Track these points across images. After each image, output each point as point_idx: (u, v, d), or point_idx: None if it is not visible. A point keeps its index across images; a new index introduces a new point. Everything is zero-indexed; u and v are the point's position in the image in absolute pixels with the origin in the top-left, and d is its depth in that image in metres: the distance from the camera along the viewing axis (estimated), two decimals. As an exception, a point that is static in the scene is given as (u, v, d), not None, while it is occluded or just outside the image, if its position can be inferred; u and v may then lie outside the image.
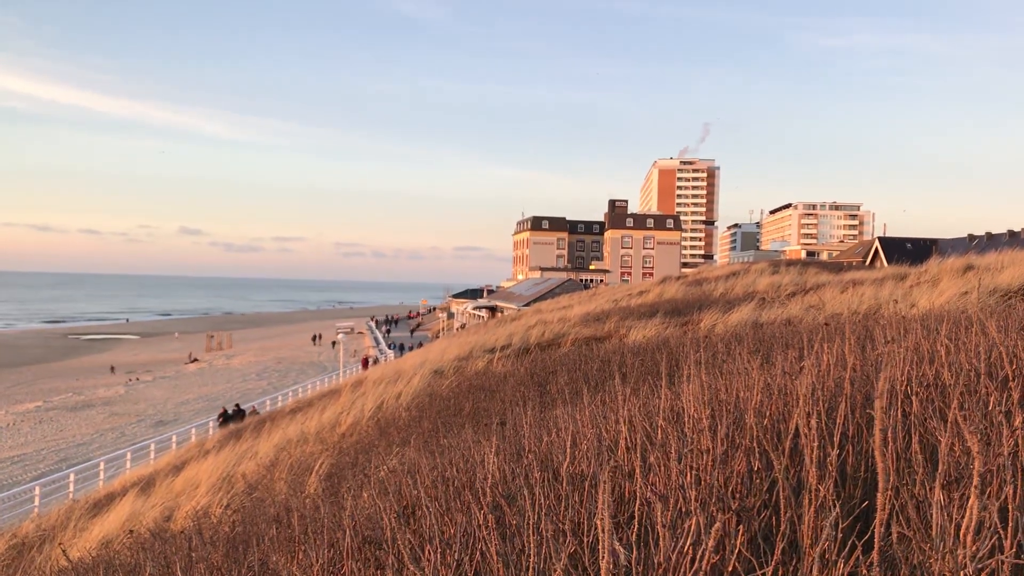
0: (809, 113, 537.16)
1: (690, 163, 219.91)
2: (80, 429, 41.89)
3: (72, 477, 26.17)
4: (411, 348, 63.31)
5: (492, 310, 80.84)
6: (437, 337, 73.88)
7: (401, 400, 11.33)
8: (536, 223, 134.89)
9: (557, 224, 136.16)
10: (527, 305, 62.87)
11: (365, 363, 53.84)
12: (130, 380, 65.62)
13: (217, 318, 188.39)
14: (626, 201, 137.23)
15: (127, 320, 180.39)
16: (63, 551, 6.66)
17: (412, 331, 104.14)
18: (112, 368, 76.20)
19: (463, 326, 78.93)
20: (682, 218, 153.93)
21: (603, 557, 2.23)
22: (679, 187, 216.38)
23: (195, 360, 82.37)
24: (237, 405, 35.35)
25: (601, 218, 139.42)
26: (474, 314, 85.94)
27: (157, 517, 9.49)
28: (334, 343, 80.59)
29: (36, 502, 24.31)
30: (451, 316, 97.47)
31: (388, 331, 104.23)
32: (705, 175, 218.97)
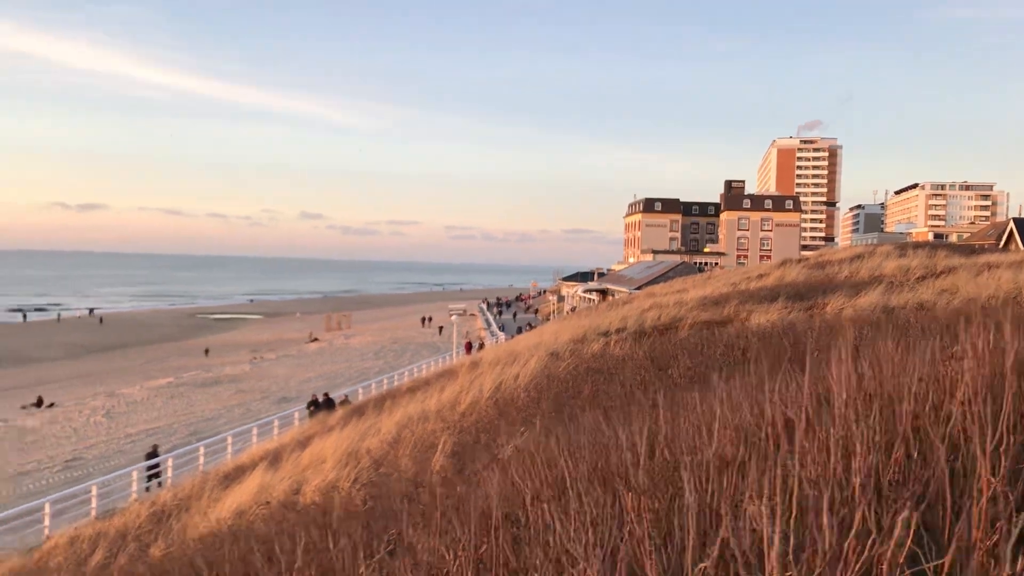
0: (937, 89, 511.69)
1: (810, 142, 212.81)
2: (208, 405, 43.81)
3: (202, 450, 27.44)
4: (521, 330, 63.62)
5: (603, 293, 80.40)
6: (547, 320, 74.04)
7: (519, 381, 11.36)
8: (648, 205, 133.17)
9: (670, 206, 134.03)
10: (639, 288, 62.25)
11: (468, 347, 54.19)
12: (255, 358, 68.21)
13: (335, 299, 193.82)
14: (743, 182, 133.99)
15: (251, 300, 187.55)
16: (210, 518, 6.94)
17: (516, 314, 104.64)
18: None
19: (573, 309, 78.82)
20: (801, 199, 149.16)
21: (768, 544, 2.13)
22: (799, 167, 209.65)
23: (315, 340, 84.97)
24: (326, 394, 34.77)
25: (716, 199, 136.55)
26: (584, 297, 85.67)
27: (286, 490, 9.82)
28: (441, 328, 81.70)
29: (169, 473, 25.62)
30: (561, 299, 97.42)
31: (499, 313, 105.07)
32: (826, 154, 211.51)
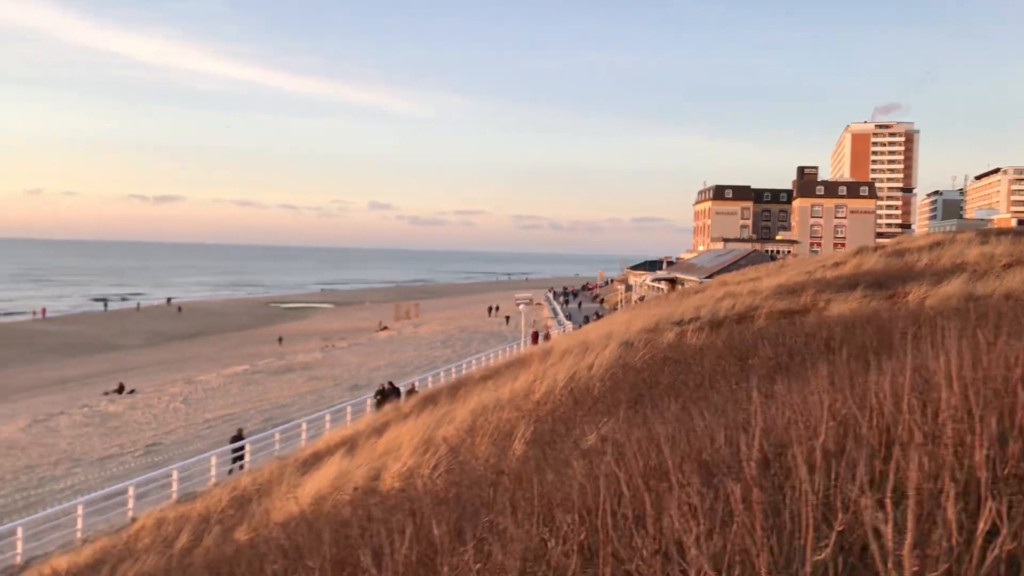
0: (1018, 71, 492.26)
1: (886, 127, 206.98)
2: (282, 391, 44.67)
3: (277, 436, 28.03)
4: (588, 319, 63.38)
5: (672, 282, 79.61)
6: (615, 309, 73.64)
7: (593, 371, 11.30)
8: (718, 192, 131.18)
9: (741, 193, 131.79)
10: (709, 277, 61.49)
11: (535, 337, 54.03)
12: (326, 346, 69.33)
13: (404, 288, 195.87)
14: (816, 168, 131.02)
15: (322, 290, 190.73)
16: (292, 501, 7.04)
17: (581, 303, 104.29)
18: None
19: (642, 298, 78.24)
20: (877, 185, 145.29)
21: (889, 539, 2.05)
22: (874, 152, 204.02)
23: (385, 328, 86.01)
24: (391, 383, 34.48)
25: (788, 186, 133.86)
26: (653, 286, 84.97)
27: (365, 476, 9.94)
28: (508, 318, 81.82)
29: (247, 458, 26.21)
30: (629, 288, 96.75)
31: (566, 302, 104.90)
32: (903, 139, 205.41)
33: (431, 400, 17.82)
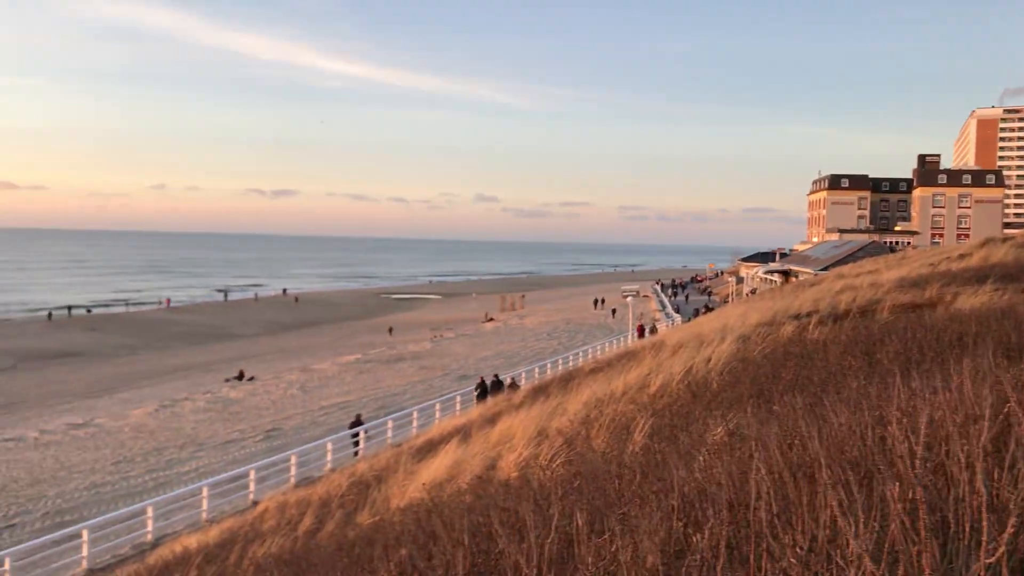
0: None
1: (1015, 111, 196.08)
2: (393, 380, 45.61)
3: (390, 424, 28.64)
4: (698, 312, 62.38)
5: (785, 274, 77.58)
6: (726, 302, 72.24)
7: (711, 365, 11.10)
8: (834, 182, 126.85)
9: (858, 182, 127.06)
10: (825, 269, 59.67)
11: (640, 331, 53.39)
12: (435, 337, 70.43)
13: (509, 280, 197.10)
14: (938, 156, 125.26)
15: (430, 281, 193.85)
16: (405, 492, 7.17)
17: (688, 296, 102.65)
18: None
19: (754, 291, 76.53)
20: (1005, 173, 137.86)
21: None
22: (1002, 138, 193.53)
23: (491, 319, 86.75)
24: (495, 375, 33.90)
25: (908, 175, 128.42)
26: (765, 278, 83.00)
27: (480, 465, 10.05)
28: (614, 310, 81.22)
29: (361, 445, 26.88)
30: (740, 280, 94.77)
31: (674, 295, 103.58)
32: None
33: (541, 391, 17.88)
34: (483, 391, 31.42)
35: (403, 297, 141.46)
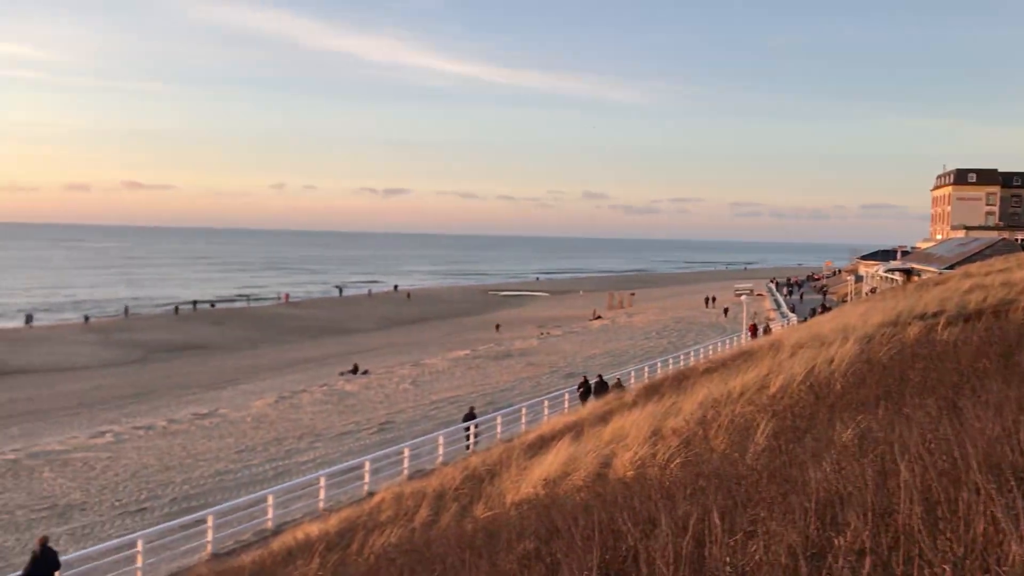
0: None
1: None
2: (501, 376, 45.95)
3: (499, 419, 28.87)
4: (815, 312, 60.54)
5: (907, 273, 74.51)
6: (844, 301, 69.91)
7: (834, 366, 10.75)
8: (960, 176, 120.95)
9: (986, 177, 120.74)
10: (950, 268, 57.04)
11: (753, 330, 52.06)
12: (542, 334, 70.59)
13: (617, 278, 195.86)
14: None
15: (537, 279, 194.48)
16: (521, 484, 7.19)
17: (802, 295, 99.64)
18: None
19: (873, 290, 73.82)
20: None
21: None
22: None
23: (598, 317, 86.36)
24: (600, 376, 32.78)
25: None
26: (886, 277, 79.95)
27: (594, 463, 10.02)
28: (726, 309, 79.55)
29: (471, 439, 27.20)
30: (859, 279, 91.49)
31: (789, 293, 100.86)
32: None
33: (654, 391, 17.69)
34: (586, 391, 30.99)
35: (510, 294, 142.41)
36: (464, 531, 7.25)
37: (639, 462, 8.81)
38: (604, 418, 15.07)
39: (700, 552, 3.23)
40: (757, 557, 2.96)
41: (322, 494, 21.16)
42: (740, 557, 3.04)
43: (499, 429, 28.29)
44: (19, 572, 14.71)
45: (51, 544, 15.10)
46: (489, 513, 8.47)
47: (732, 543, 3.21)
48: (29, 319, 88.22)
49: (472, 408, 29.74)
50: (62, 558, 15.08)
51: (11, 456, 29.27)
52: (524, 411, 29.86)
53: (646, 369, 38.76)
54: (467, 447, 26.57)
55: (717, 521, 3.33)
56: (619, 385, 31.09)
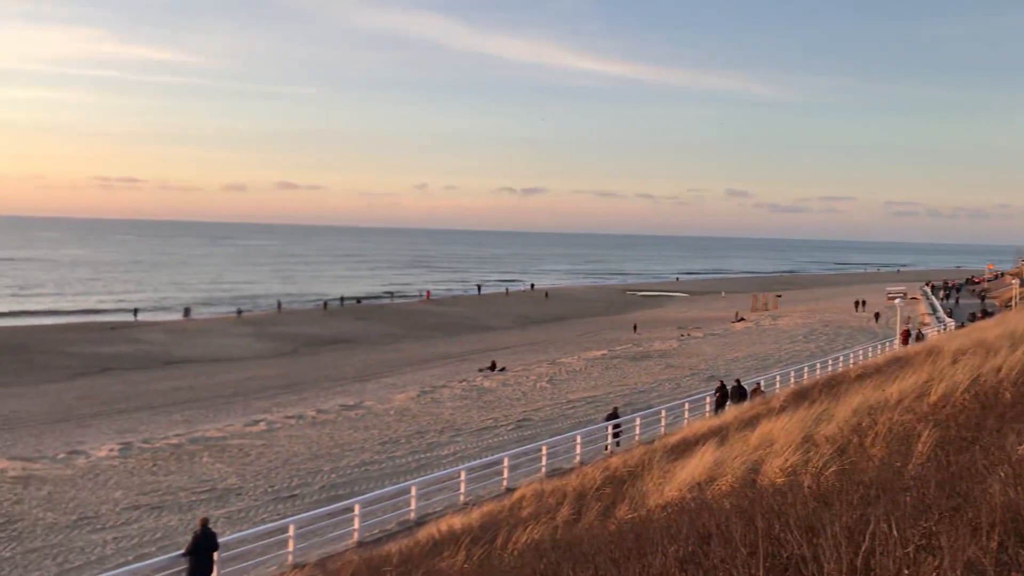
0: None
1: None
2: (639, 377, 45.52)
3: (638, 421, 28.59)
4: (975, 317, 57.10)
5: (1081, 278, 69.22)
6: (1008, 307, 65.72)
7: (1002, 374, 10.08)
8: None
9: None
10: None
11: (905, 337, 49.41)
12: (682, 335, 69.52)
13: (761, 279, 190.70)
14: None
15: (677, 279, 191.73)
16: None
17: (959, 300, 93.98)
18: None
19: (1042, 295, 68.99)
20: None
21: None
22: None
23: (741, 319, 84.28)
24: (738, 381, 31.40)
25: None
26: (1057, 281, 74.57)
27: (740, 469, 9.77)
28: (877, 314, 75.98)
29: (609, 439, 27.05)
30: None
31: (945, 297, 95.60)
32: None
33: (802, 396, 17.11)
34: (723, 397, 30.13)
35: (649, 294, 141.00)
36: (609, 531, 7.20)
37: (790, 469, 8.52)
38: (750, 423, 14.68)
39: (866, 563, 3.08)
40: (933, 572, 2.80)
41: (463, 488, 21.53)
42: (913, 570, 2.88)
43: (637, 431, 28.04)
44: (182, 550, 15.63)
45: (210, 525, 15.97)
46: (633, 514, 8.39)
47: (903, 555, 3.04)
48: (187, 312, 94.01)
49: (616, 408, 29.57)
50: (220, 539, 15.92)
51: (175, 441, 31.16)
52: (664, 413, 29.48)
53: (792, 373, 37.54)
54: (606, 447, 26.45)
55: (886, 530, 3.17)
56: (758, 391, 30.18)
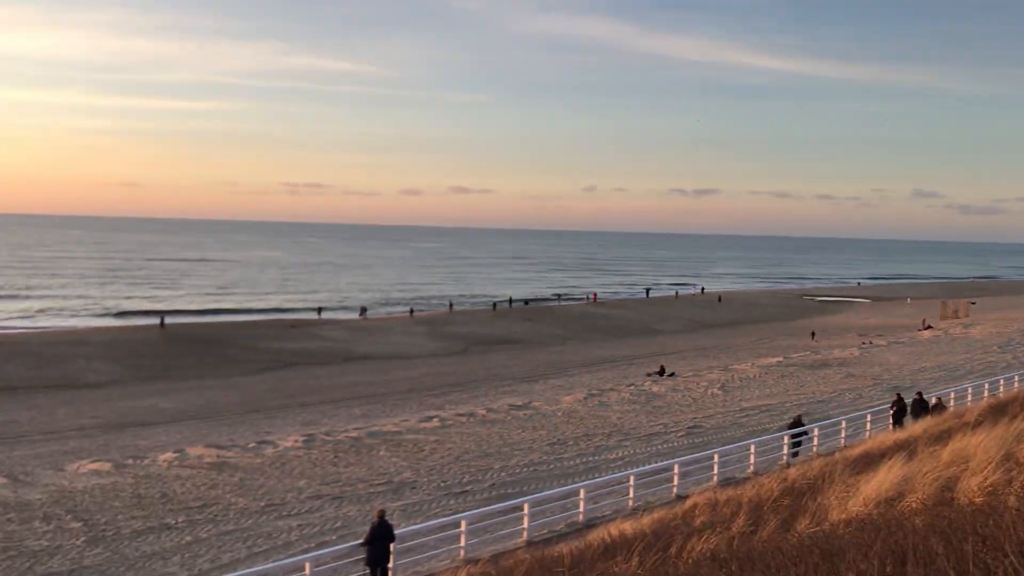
0: None
1: None
2: (817, 387, 43.67)
3: (816, 432, 27.45)
4: None
5: None
6: None
7: None
8: None
9: None
10: None
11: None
12: (864, 343, 66.24)
13: (951, 285, 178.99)
14: None
15: (858, 284, 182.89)
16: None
17: None
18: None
19: None
20: None
21: None
22: None
23: (928, 327, 79.36)
24: (919, 395, 29.27)
25: None
26: None
27: (932, 486, 9.17)
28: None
29: (785, 449, 26.08)
30: None
31: None
32: None
33: (1000, 411, 15.90)
34: (900, 411, 28.32)
35: (828, 299, 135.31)
36: (790, 544, 6.93)
37: (990, 488, 7.91)
38: (940, 438, 13.77)
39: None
40: None
41: (631, 493, 21.35)
42: None
43: (816, 441, 26.95)
44: (360, 540, 16.31)
45: (387, 517, 16.57)
46: (815, 529, 8.03)
47: None
48: (363, 311, 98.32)
49: (799, 416, 28.45)
50: (396, 531, 16.50)
51: (354, 434, 32.58)
52: (844, 424, 28.19)
53: (986, 386, 34.98)
54: (783, 456, 25.54)
55: None
56: (939, 405, 28.26)
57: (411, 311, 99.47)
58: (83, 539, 20.20)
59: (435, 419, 35.74)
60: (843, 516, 8.60)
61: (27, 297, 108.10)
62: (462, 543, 17.53)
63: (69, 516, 21.98)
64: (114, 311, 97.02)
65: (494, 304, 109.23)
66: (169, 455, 29.19)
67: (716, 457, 23.88)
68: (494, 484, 25.18)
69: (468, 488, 24.78)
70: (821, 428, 27.85)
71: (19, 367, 56.18)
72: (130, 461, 28.55)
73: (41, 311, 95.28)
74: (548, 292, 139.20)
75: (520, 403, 40.00)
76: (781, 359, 55.68)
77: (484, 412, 37.41)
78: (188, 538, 20.41)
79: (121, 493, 24.22)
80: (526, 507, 18.91)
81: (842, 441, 27.44)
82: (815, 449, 26.17)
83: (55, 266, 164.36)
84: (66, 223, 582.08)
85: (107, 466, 27.61)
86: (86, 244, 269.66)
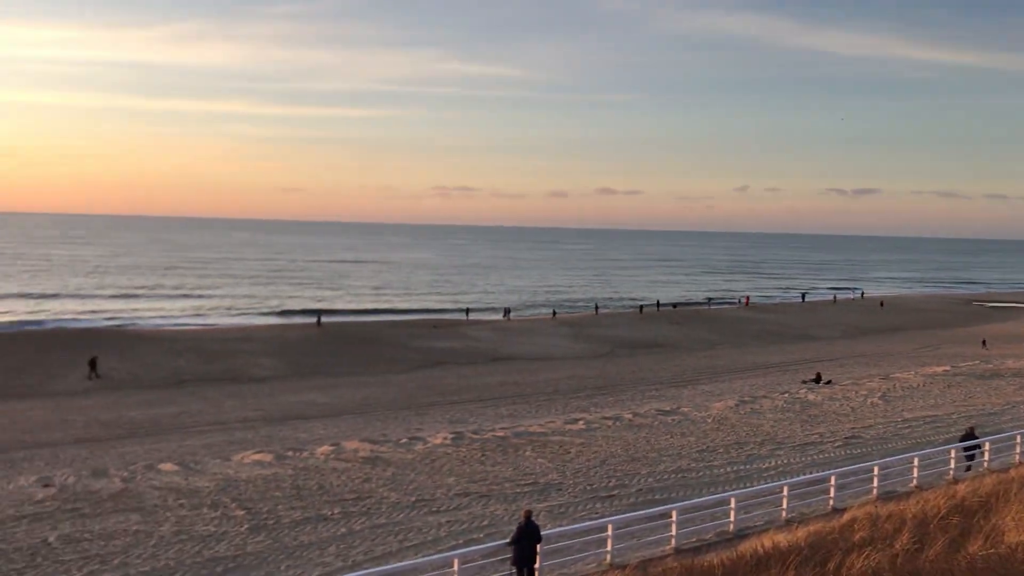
0: None
1: None
2: (988, 398, 41.01)
3: (987, 446, 25.73)
4: None
5: None
6: None
7: None
8: None
9: None
10: None
11: None
12: (1042, 353, 61.69)
13: None
14: None
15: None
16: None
17: None
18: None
19: None
20: None
21: None
22: None
23: (1118, 337, 73.04)
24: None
25: None
26: None
27: None
28: None
29: (952, 464, 24.54)
30: None
31: None
32: None
33: None
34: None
35: (1000, 305, 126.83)
36: (960, 567, 6.48)
37: None
38: None
39: None
40: None
41: (784, 503, 20.61)
42: None
43: (987, 457, 25.24)
44: (507, 539, 16.45)
45: (533, 518, 16.64)
46: (989, 551, 7.49)
47: None
48: (507, 312, 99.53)
49: (972, 427, 26.70)
50: (542, 532, 16.55)
51: (500, 433, 32.96)
52: (1019, 440, 26.28)
53: None
54: (950, 471, 24.03)
55: None
56: None
57: (553, 312, 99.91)
58: (246, 526, 21.29)
59: (580, 422, 35.68)
60: (1021, 539, 7.98)
61: (199, 296, 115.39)
62: (608, 547, 17.39)
63: (234, 504, 23.22)
64: (277, 310, 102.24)
65: (640, 307, 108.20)
66: (326, 448, 30.40)
67: (876, 469, 22.74)
68: (641, 489, 24.88)
69: (614, 492, 24.58)
70: (993, 442, 26.08)
71: (191, 362, 60.05)
72: (290, 453, 29.91)
73: (212, 309, 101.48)
74: (697, 295, 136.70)
75: (668, 408, 39.39)
76: (948, 368, 52.58)
77: (631, 416, 37.05)
78: (343, 530, 21.16)
79: (281, 484, 25.39)
80: (674, 514, 18.56)
81: (1016, 457, 25.61)
82: (986, 464, 24.52)
83: (225, 267, 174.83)
84: (235, 226, 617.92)
85: (269, 457, 29.05)
86: (253, 246, 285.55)
